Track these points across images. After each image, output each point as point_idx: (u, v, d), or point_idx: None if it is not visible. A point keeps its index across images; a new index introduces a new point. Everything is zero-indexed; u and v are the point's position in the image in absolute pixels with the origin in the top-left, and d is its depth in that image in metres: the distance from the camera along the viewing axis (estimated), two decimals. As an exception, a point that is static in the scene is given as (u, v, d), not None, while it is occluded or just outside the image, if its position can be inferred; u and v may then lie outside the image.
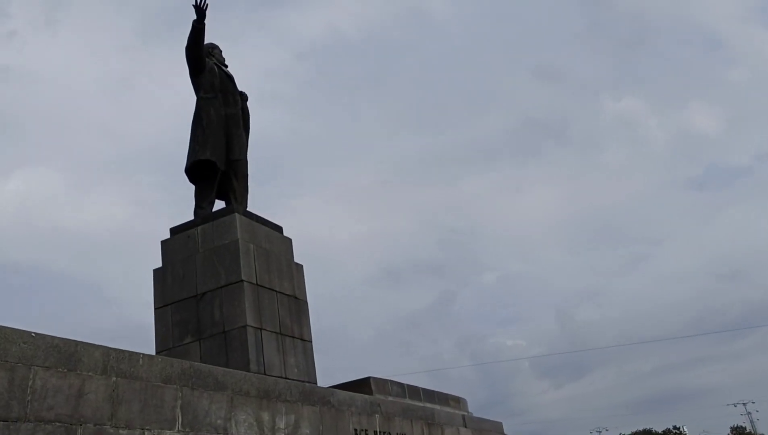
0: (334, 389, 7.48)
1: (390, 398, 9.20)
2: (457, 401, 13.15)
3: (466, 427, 11.21)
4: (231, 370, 5.44)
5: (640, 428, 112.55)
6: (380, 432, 7.55)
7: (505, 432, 13.46)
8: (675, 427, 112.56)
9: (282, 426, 5.27)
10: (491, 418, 13.74)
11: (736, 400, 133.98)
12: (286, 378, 10.08)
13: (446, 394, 12.63)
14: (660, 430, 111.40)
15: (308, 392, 6.22)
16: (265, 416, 5.02)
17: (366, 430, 7.19)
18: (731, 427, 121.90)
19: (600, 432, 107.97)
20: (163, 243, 9.38)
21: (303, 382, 10.02)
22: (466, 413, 12.48)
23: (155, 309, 8.99)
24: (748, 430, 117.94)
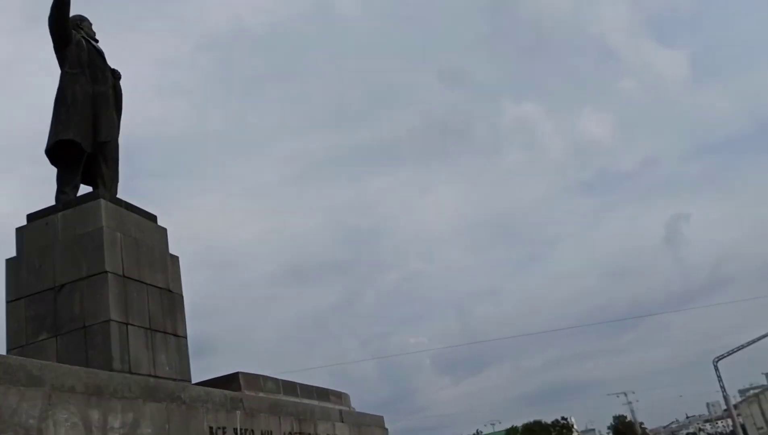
0: (186, 384, 7.18)
1: (261, 394, 8.98)
2: (339, 396, 13.06)
3: (342, 422, 11.13)
4: (51, 363, 5.05)
5: (531, 420, 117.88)
6: (242, 429, 7.32)
7: (386, 426, 13.52)
8: (563, 418, 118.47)
9: (117, 426, 4.93)
10: (374, 413, 13.79)
11: (618, 391, 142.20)
12: (155, 376, 9.65)
13: (327, 390, 12.52)
14: (549, 421, 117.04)
15: (152, 388, 5.89)
16: (95, 415, 4.69)
17: (224, 428, 6.93)
18: (614, 416, 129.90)
19: (494, 425, 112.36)
20: (19, 230, 8.70)
21: (175, 380, 9.63)
22: (345, 408, 12.41)
23: (7, 303, 8.34)
24: (628, 418, 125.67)
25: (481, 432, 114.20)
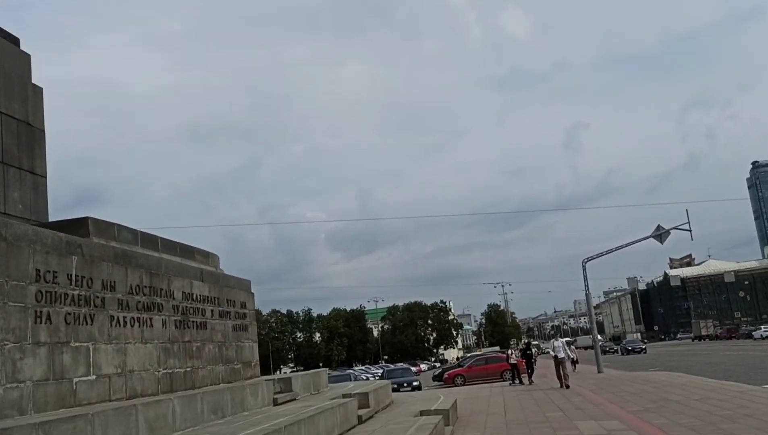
0: (10, 220, 6.60)
1: (112, 243, 8.48)
2: (206, 256, 12.75)
3: (203, 281, 10.89)
4: None
5: (413, 301, 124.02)
6: (78, 276, 6.87)
7: (253, 290, 13.42)
8: (442, 302, 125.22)
9: None
10: (243, 277, 13.65)
11: (497, 281, 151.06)
12: (5, 214, 8.90)
13: (193, 248, 12.14)
14: (429, 303, 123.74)
15: (-38, 222, 5.33)
16: None
17: (55, 272, 6.48)
18: (488, 304, 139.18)
19: (377, 302, 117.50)
20: None
21: (27, 220, 8.92)
22: (210, 268, 12.14)
23: None
24: (501, 307, 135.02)
25: (364, 307, 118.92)
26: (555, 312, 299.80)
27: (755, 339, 73.15)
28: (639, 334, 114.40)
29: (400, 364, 59.40)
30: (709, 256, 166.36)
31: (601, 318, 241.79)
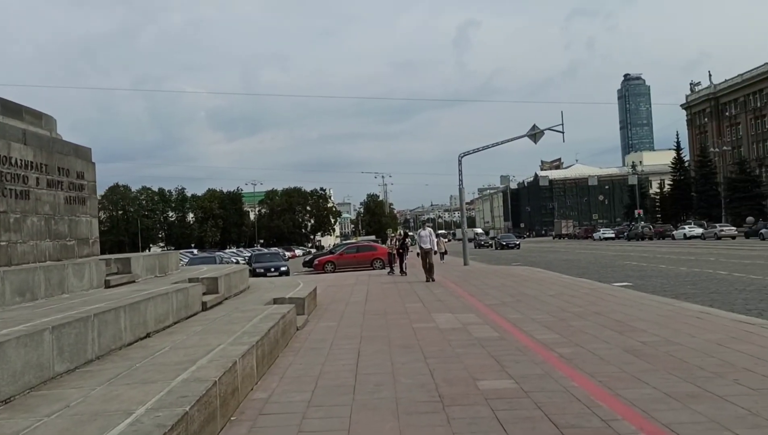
0: None
1: None
2: (38, 117, 10.97)
3: (25, 144, 9.30)
4: None
5: (292, 186, 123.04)
6: None
7: (93, 160, 11.86)
8: (321, 189, 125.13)
9: None
10: (84, 145, 12.01)
11: (377, 172, 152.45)
12: None
13: (20, 106, 10.35)
14: (309, 190, 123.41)
15: None
16: None
17: None
18: (368, 194, 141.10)
19: (255, 185, 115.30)
20: None
21: None
22: (42, 132, 10.45)
23: None
24: (381, 198, 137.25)
25: (242, 190, 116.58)
26: (432, 205, 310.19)
27: (594, 240, 79.87)
28: (509, 230, 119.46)
29: (272, 249, 58.85)
30: (576, 160, 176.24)
31: (473, 214, 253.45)
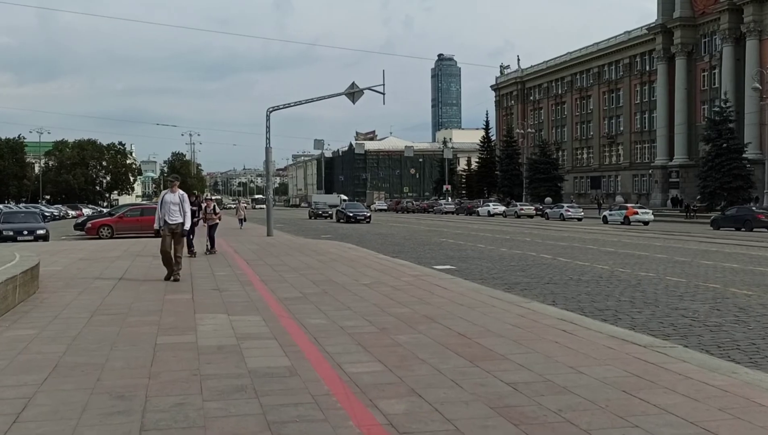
0: None
1: None
2: None
3: None
4: None
5: (87, 138, 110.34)
6: None
7: None
8: (120, 143, 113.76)
9: None
10: None
11: (187, 131, 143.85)
12: None
13: None
14: (105, 144, 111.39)
15: None
16: None
17: None
18: (173, 152, 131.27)
19: (41, 133, 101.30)
20: None
21: None
22: None
23: None
24: (187, 157, 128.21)
25: (24, 138, 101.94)
26: (244, 169, 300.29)
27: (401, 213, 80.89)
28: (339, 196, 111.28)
29: (30, 207, 50.10)
30: (391, 133, 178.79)
31: (287, 180, 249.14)
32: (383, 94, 27.16)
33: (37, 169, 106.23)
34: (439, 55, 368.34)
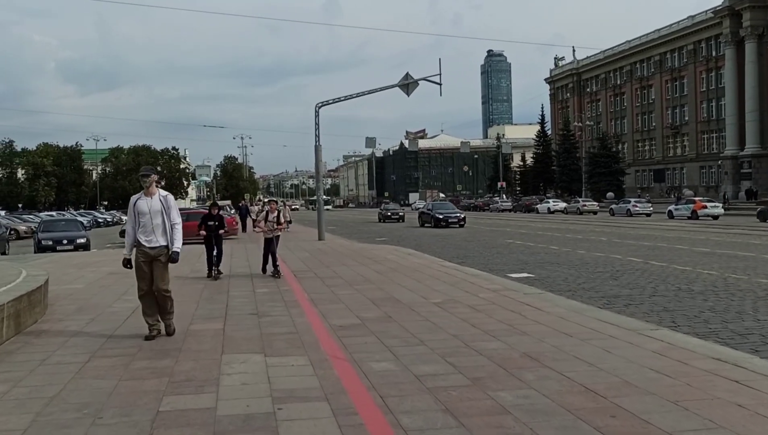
0: None
1: None
2: None
3: None
4: None
5: (142, 144, 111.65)
6: None
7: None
8: (174, 148, 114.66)
9: None
10: None
11: (238, 134, 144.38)
12: None
13: None
14: (159, 149, 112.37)
15: None
16: None
17: None
18: (225, 156, 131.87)
19: (98, 140, 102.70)
20: None
21: None
22: None
23: None
24: (239, 161, 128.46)
25: (81, 145, 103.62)
26: (296, 171, 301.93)
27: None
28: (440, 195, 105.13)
29: (67, 215, 49.56)
30: (442, 130, 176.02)
31: (338, 181, 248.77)
32: (440, 84, 25.06)
33: (94, 175, 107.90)
34: (489, 51, 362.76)
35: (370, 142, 47.63)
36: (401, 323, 7.64)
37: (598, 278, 13.15)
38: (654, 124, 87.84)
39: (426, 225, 37.64)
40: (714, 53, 77.51)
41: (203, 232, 13.14)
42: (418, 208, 50.77)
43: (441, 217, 36.46)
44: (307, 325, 7.70)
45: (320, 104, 24.86)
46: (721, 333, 7.84)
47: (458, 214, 37.61)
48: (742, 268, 14.24)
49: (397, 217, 49.21)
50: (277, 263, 12.79)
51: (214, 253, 12.99)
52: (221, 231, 13.28)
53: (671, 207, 47.41)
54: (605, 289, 11.66)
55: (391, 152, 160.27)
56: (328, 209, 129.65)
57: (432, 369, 5.56)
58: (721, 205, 46.65)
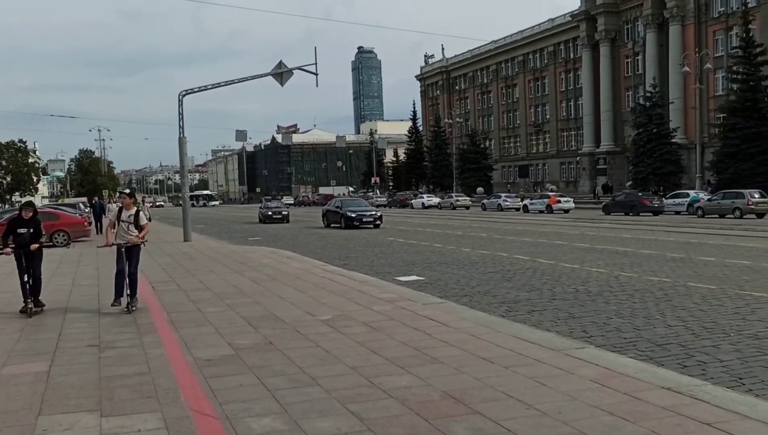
0: None
1: None
2: None
3: None
4: None
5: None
6: None
7: None
8: (21, 141, 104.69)
9: None
10: None
11: (95, 126, 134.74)
12: None
13: None
14: (4, 142, 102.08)
15: None
16: None
17: None
18: (80, 149, 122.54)
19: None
20: None
21: None
22: None
23: None
24: (96, 154, 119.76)
25: None
26: (161, 166, 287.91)
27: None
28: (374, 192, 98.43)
29: None
30: (315, 125, 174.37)
31: (206, 176, 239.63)
32: (316, 74, 23.62)
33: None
34: (360, 48, 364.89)
35: (241, 135, 45.19)
36: (286, 352, 6.22)
37: (491, 280, 12.35)
38: (518, 121, 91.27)
39: (333, 225, 31.79)
40: (572, 55, 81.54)
41: (9, 248, 8.91)
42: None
43: (353, 216, 30.54)
44: (164, 359, 6.07)
45: (184, 93, 22.64)
46: (639, 344, 7.10)
47: (374, 213, 31.51)
48: (628, 265, 14.04)
49: (279, 216, 40.54)
50: (135, 290, 8.99)
51: (27, 278, 8.81)
52: (34, 246, 8.81)
53: (526, 201, 50.01)
54: (502, 292, 10.82)
55: (262, 147, 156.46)
56: (214, 205, 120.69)
57: (332, 426, 4.21)
58: (571, 199, 49.86)
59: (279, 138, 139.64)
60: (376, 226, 30.13)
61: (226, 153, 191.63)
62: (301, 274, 12.15)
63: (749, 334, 7.44)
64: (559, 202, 46.96)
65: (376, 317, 7.77)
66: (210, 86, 23.53)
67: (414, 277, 12.79)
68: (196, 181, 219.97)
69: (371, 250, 19.17)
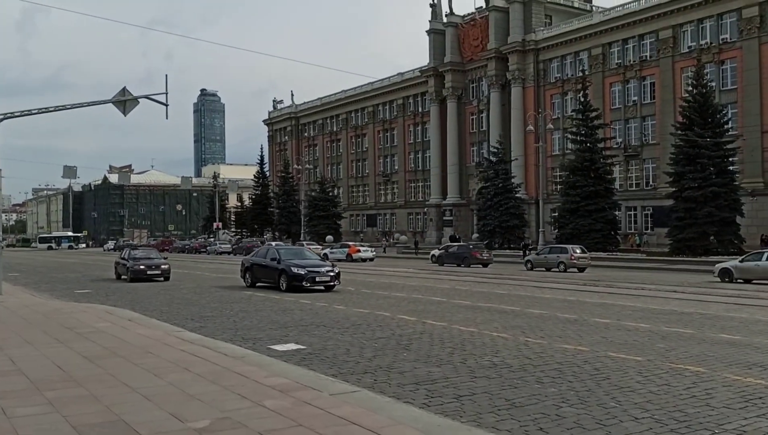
0: None
1: None
2: None
3: None
4: None
5: None
6: None
7: None
8: None
9: None
10: None
11: None
12: None
13: None
14: None
15: None
16: None
17: None
18: None
19: None
20: None
21: None
22: None
23: None
24: None
25: None
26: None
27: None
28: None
29: None
30: (152, 166, 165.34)
31: (25, 217, 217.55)
32: (166, 105, 20.81)
33: None
34: (202, 90, 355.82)
35: (69, 171, 40.15)
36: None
37: (385, 348, 10.44)
38: (368, 171, 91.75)
39: (261, 284, 22.57)
40: (420, 109, 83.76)
41: None
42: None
43: (302, 273, 20.60)
44: None
45: (2, 117, 18.85)
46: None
47: (330, 270, 21.37)
48: (527, 328, 12.80)
49: (157, 272, 26.60)
50: None
51: None
52: None
53: (327, 250, 51.66)
54: (407, 367, 8.94)
55: (92, 187, 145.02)
56: (75, 248, 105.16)
57: None
58: (372, 249, 53.19)
59: (112, 178, 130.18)
60: (332, 289, 21.19)
61: (50, 192, 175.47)
62: (151, 347, 9.44)
63: (737, 430, 6.13)
64: (359, 251, 49.99)
65: (274, 422, 5.52)
66: (35, 111, 19.82)
67: (293, 346, 10.57)
68: (12, 222, 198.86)
69: (229, 307, 16.51)
